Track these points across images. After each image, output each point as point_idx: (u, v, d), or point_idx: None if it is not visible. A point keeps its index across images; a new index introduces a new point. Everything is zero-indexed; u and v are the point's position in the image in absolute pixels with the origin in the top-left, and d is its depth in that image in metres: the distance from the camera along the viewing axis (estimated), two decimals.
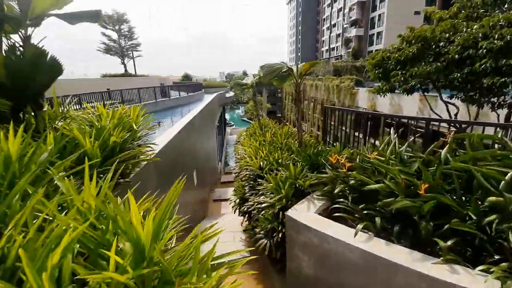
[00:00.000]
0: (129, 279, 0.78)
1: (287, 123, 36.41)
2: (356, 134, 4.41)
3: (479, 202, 2.24)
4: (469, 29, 4.58)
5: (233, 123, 46.04)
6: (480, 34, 4.33)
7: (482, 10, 6.11)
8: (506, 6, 5.73)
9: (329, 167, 3.12)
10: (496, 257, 1.99)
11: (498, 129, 3.08)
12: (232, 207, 4.44)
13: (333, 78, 27.82)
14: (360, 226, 2.36)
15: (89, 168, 1.43)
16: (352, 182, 2.80)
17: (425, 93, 6.34)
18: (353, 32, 51.28)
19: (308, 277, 2.82)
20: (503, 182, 2.25)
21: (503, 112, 5.44)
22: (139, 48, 34.50)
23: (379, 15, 45.81)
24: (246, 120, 50.06)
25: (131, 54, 34.05)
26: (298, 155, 3.88)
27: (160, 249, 0.85)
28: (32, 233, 0.78)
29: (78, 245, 0.89)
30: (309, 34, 76.42)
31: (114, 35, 32.74)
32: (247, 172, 4.14)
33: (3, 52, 2.40)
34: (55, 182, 1.15)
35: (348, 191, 2.91)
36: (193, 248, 0.95)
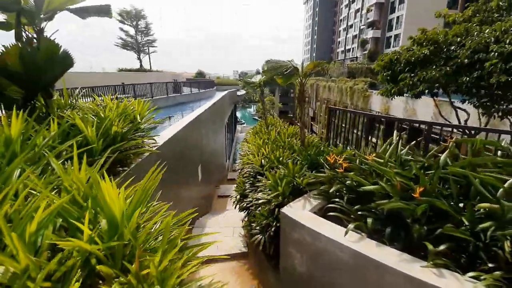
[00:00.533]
0: (100, 250, 0.85)
1: (298, 124, 36.14)
2: (361, 136, 4.38)
3: (476, 209, 2.21)
4: (481, 34, 4.44)
5: (244, 121, 46.25)
6: (492, 39, 4.19)
7: (497, 15, 5.90)
8: None
9: (328, 167, 3.13)
10: (490, 265, 1.96)
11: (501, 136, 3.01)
12: (233, 202, 4.51)
13: (346, 80, 27.42)
14: (351, 226, 2.37)
15: (88, 154, 1.52)
16: (348, 182, 2.81)
17: (435, 98, 6.18)
18: (369, 33, 50.38)
19: (301, 275, 2.85)
20: (501, 189, 2.21)
21: None
22: (154, 44, 35.29)
23: (398, 17, 44.80)
24: (257, 118, 50.14)
25: (146, 50, 34.84)
26: (299, 154, 3.91)
27: (131, 226, 0.92)
28: (17, 204, 0.87)
29: (60, 219, 0.97)
30: (325, 35, 75.62)
31: (132, 31, 33.59)
32: (248, 169, 4.20)
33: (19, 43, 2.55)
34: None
35: (344, 191, 2.92)
36: (160, 229, 1.02)
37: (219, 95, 17.95)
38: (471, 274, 1.87)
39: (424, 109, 13.70)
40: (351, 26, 61.54)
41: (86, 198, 1.06)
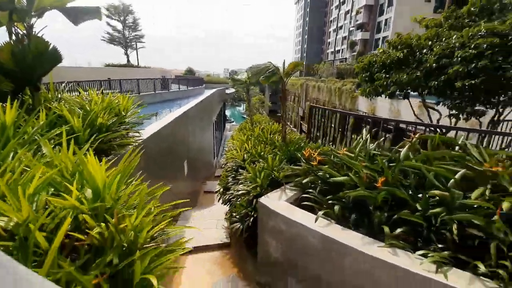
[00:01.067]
0: (87, 209, 1.02)
1: (288, 123, 36.54)
2: (338, 132, 4.64)
3: (429, 196, 2.48)
4: (448, 39, 4.79)
5: (233, 120, 46.29)
6: (457, 44, 4.53)
7: (467, 20, 6.30)
8: (493, 16, 5.91)
9: (304, 161, 3.35)
10: (440, 245, 2.23)
11: (459, 133, 3.31)
12: (217, 196, 4.69)
13: (335, 81, 27.97)
14: (320, 213, 2.60)
15: (75, 143, 1.68)
16: (320, 174, 3.04)
17: (409, 99, 6.58)
18: (359, 35, 51.25)
19: (276, 260, 3.06)
20: (452, 180, 2.48)
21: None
22: (142, 39, 34.94)
23: (386, 20, 45.77)
24: (246, 117, 50.19)
25: (134, 45, 34.46)
26: (280, 149, 4.13)
27: (112, 193, 1.10)
28: (16, 175, 1.03)
29: (52, 189, 1.14)
30: (316, 35, 76.33)
31: (119, 26, 33.15)
32: (231, 163, 4.39)
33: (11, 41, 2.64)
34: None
35: (319, 183, 3.15)
36: (137, 200, 1.20)
37: (208, 92, 18.04)
38: (420, 252, 2.13)
39: (407, 110, 14.23)
40: (340, 27, 62.37)
41: (73, 175, 1.22)
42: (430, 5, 39.21)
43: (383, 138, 3.45)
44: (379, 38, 47.87)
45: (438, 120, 6.14)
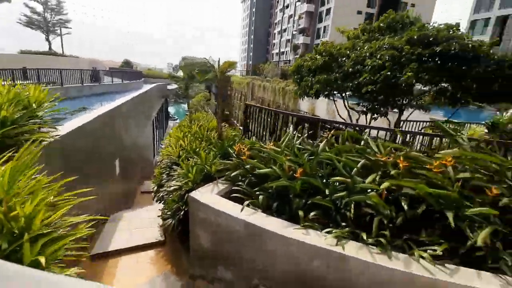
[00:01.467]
0: None
1: (235, 122, 36.76)
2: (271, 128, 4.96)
3: (336, 183, 2.89)
4: (362, 49, 5.69)
5: (177, 117, 44.43)
6: (368, 54, 5.42)
7: (377, 34, 7.49)
8: (397, 33, 7.14)
9: (234, 155, 3.52)
10: (343, 224, 2.63)
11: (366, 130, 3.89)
12: (152, 194, 4.56)
13: (279, 81, 29.23)
14: (246, 203, 2.79)
15: None
16: (248, 167, 3.24)
17: (332, 99, 7.48)
18: (301, 39, 54.22)
19: (207, 252, 3.16)
20: (355, 168, 2.94)
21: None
22: (68, 24, 30.87)
23: (324, 27, 49.56)
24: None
25: (58, 31, 30.25)
26: (215, 145, 4.23)
27: (3, 185, 1.06)
28: None
29: None
30: (261, 36, 78.06)
31: (39, 8, 28.70)
32: (166, 160, 4.33)
33: None
34: None
35: (247, 176, 3.36)
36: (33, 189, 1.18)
37: (146, 87, 17.01)
38: (326, 230, 2.49)
39: (341, 110, 15.83)
40: (284, 30, 65.12)
41: None
42: (362, 16, 44.04)
43: (306, 134, 3.84)
44: (318, 44, 51.48)
45: (357, 120, 7.09)
